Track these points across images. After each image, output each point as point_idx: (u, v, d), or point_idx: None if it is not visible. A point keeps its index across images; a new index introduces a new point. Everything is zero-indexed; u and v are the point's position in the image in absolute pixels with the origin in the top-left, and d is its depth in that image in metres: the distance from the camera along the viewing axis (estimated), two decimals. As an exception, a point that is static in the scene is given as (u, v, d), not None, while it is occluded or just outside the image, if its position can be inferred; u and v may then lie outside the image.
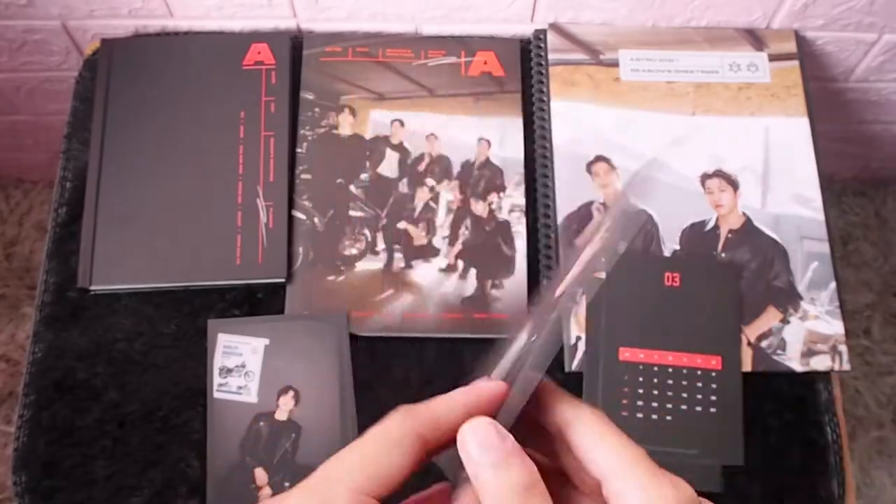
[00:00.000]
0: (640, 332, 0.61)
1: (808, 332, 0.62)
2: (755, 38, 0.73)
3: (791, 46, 0.72)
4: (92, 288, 0.64)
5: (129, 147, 0.67)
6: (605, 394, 0.59)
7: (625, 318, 0.61)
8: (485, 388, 0.29)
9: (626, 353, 0.60)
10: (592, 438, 0.29)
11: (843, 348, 0.62)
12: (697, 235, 0.65)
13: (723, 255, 0.64)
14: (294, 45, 0.72)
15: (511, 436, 0.28)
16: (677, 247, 0.64)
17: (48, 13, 0.74)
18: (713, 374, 0.60)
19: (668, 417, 0.59)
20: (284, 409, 0.60)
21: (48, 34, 0.77)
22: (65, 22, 0.75)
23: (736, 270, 0.63)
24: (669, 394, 0.59)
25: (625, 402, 0.59)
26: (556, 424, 0.30)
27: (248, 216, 0.65)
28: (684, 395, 0.59)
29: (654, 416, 0.59)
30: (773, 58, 0.72)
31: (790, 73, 0.71)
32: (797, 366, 0.61)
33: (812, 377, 0.62)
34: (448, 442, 0.29)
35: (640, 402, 0.59)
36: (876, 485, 1.01)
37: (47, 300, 0.64)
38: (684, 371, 0.60)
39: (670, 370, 0.60)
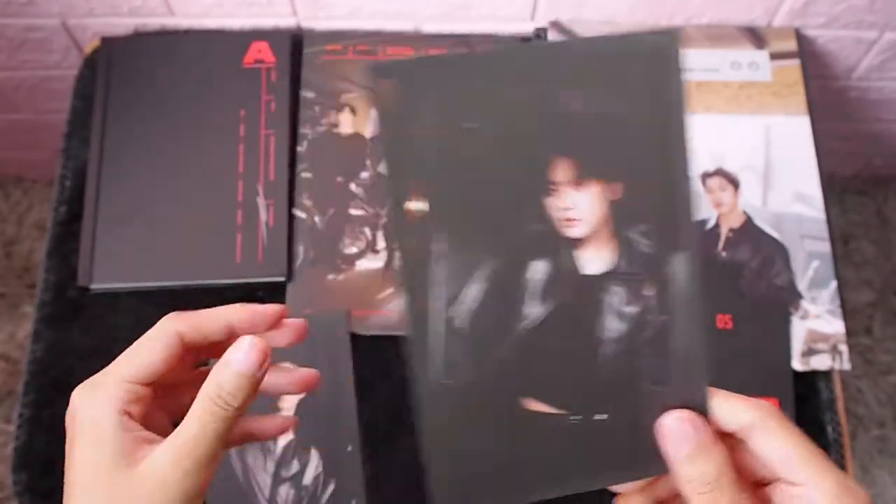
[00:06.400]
0: None
1: (808, 331, 0.62)
2: (756, 36, 0.72)
3: (792, 45, 0.72)
4: (92, 287, 0.63)
5: (129, 145, 0.67)
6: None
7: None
8: (258, 308, 0.35)
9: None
10: (770, 439, 0.31)
11: (843, 347, 0.62)
12: (698, 234, 0.65)
13: (723, 254, 0.64)
14: (294, 44, 0.71)
15: (706, 426, 0.31)
16: (678, 245, 0.64)
17: (48, 11, 0.74)
18: None
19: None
20: (284, 408, 0.60)
21: (48, 32, 0.77)
22: (65, 20, 0.75)
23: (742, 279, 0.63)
24: None
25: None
26: (736, 427, 0.32)
27: (248, 215, 0.65)
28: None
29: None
30: (774, 56, 0.71)
31: (791, 72, 0.71)
32: (798, 365, 0.61)
33: (813, 376, 0.62)
34: (215, 348, 0.34)
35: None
36: (877, 483, 1.01)
37: (47, 299, 0.64)
38: None
39: None
